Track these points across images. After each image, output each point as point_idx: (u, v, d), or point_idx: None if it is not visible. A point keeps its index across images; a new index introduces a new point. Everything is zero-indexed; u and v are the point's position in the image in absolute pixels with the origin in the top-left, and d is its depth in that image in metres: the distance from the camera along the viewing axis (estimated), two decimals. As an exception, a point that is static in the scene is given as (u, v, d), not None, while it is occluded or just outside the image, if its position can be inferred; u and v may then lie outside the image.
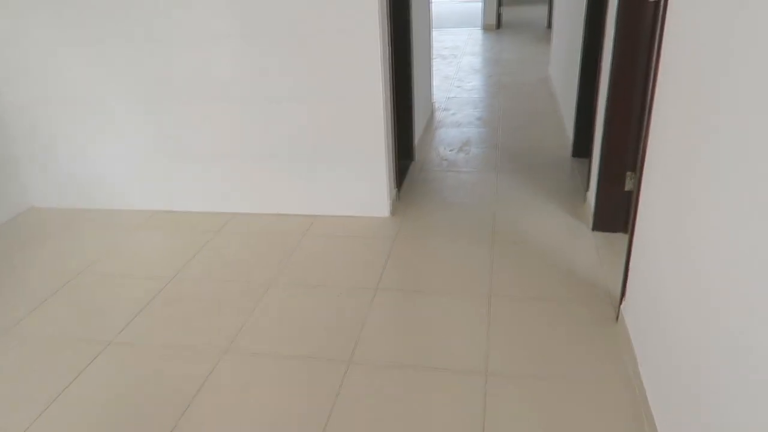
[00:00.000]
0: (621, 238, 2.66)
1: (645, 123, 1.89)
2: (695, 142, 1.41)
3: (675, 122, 1.60)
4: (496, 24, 8.90)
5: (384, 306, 2.30)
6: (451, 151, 3.95)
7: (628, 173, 2.59)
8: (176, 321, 2.28)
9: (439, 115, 4.82)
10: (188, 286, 2.52)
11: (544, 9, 8.76)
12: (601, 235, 2.72)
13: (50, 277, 2.64)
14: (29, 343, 2.19)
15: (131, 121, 3.04)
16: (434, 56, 6.83)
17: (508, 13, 9.39)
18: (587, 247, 2.63)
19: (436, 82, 5.66)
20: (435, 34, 7.79)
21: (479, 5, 9.38)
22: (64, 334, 2.23)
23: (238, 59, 2.80)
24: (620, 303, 2.10)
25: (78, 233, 3.06)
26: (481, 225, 2.88)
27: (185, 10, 2.73)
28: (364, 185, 2.97)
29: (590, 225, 2.77)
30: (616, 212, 2.69)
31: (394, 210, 3.06)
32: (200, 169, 3.09)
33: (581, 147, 3.56)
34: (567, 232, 2.78)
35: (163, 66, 2.87)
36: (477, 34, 8.67)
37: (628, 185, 2.61)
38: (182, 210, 3.21)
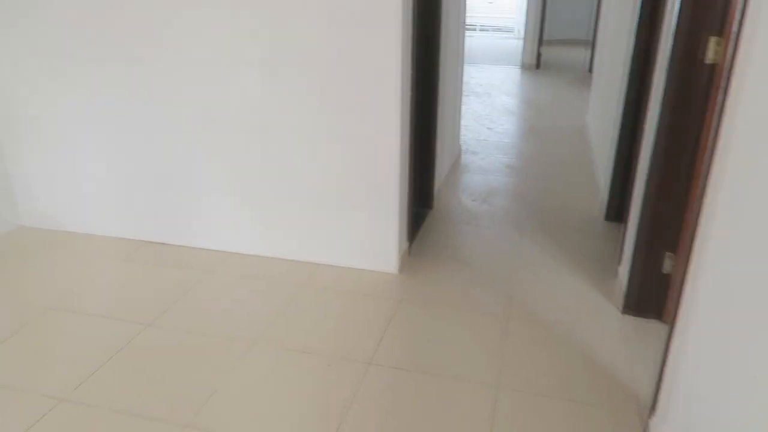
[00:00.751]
0: (655, 326, 2.33)
1: (697, 199, 1.59)
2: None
3: (741, 205, 1.29)
4: (536, 63, 8.64)
5: (376, 385, 2.01)
6: (473, 201, 3.67)
7: (668, 254, 2.27)
8: (142, 379, 2.03)
9: (465, 158, 4.55)
10: (165, 335, 2.27)
11: (587, 52, 8.49)
12: (631, 320, 2.39)
13: (15, 309, 2.43)
14: (-24, 391, 1.97)
15: (131, 146, 2.85)
16: (466, 94, 6.60)
17: (548, 52, 9.13)
18: (614, 334, 2.30)
19: (465, 121, 5.40)
20: (469, 69, 7.57)
21: (519, 42, 9.15)
22: (9, 384, 2.00)
23: (242, 91, 2.59)
24: (649, 416, 1.77)
25: (59, 258, 2.86)
26: (497, 294, 2.58)
27: (195, 38, 2.55)
28: (372, 235, 2.71)
29: (620, 306, 2.44)
30: (651, 295, 2.36)
31: (403, 266, 2.78)
32: (197, 203, 2.87)
33: (615, 210, 3.24)
34: (593, 312, 2.46)
35: (163, 92, 2.69)
36: (514, 72, 8.42)
37: (667, 267, 2.28)
38: (175, 243, 2.99)
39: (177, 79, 2.65)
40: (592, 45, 7.78)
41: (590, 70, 7.54)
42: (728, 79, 1.44)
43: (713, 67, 2.00)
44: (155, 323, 2.34)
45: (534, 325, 2.36)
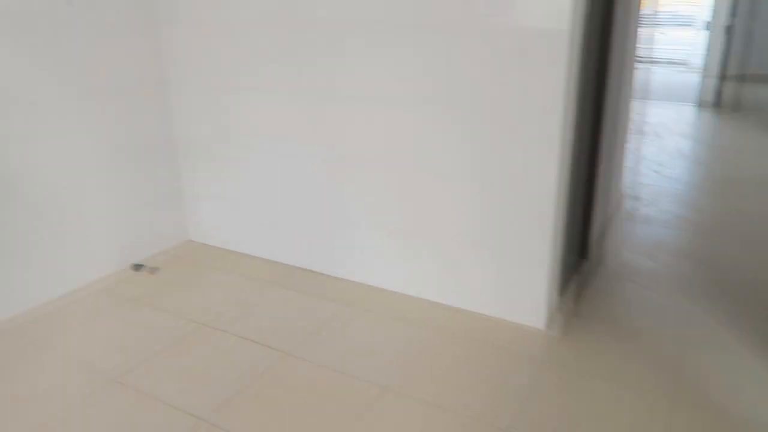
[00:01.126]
0: None
1: None
2: None
3: None
4: (717, 101, 7.75)
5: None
6: (637, 255, 3.29)
7: None
8: (274, 411, 2.03)
9: (627, 204, 4.14)
10: (300, 367, 2.28)
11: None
12: (843, 431, 1.92)
13: (174, 322, 2.60)
14: (132, 397, 2.11)
15: (289, 172, 2.97)
16: (633, 132, 6.08)
17: (736, 89, 8.16)
18: (819, 446, 1.86)
19: (630, 163, 4.95)
20: (637, 106, 6.98)
21: (697, 77, 8.30)
22: (158, 396, 2.12)
23: (393, 127, 2.56)
24: None
25: (217, 276, 3.05)
26: (661, 371, 2.23)
27: (354, 77, 2.59)
28: (520, 284, 2.51)
29: (827, 410, 1.98)
30: None
31: (551, 322, 2.54)
32: (344, 233, 2.90)
33: (821, 285, 2.69)
34: (788, 410, 2.02)
35: (322, 125, 2.76)
36: (691, 111, 7.63)
37: None
38: (322, 271, 3.04)
39: (335, 113, 2.71)
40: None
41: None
42: None
43: None
44: (293, 352, 2.36)
45: (706, 413, 1.99)
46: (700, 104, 7.85)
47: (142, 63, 3.03)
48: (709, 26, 7.88)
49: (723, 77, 7.73)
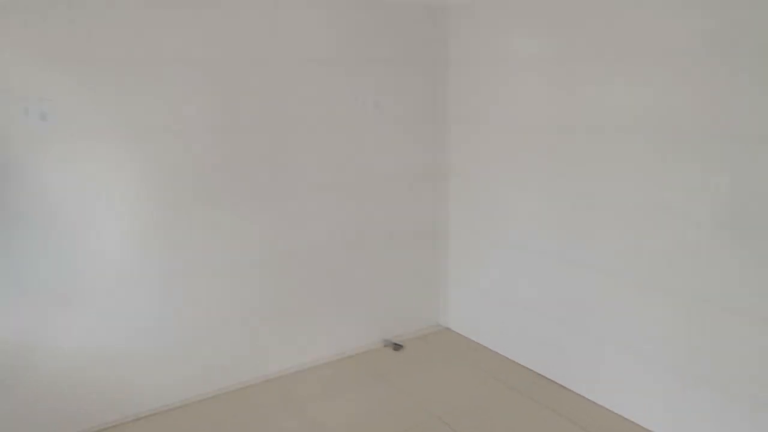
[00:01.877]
0: None
1: None
2: None
3: None
4: None
5: None
6: None
7: None
8: None
9: None
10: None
11: None
12: None
13: (409, 408, 2.64)
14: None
15: (542, 272, 2.83)
16: None
17: None
18: None
19: None
20: None
21: None
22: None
23: (663, 238, 2.24)
24: None
25: (462, 368, 3.01)
26: None
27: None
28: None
29: None
30: None
31: None
32: (597, 351, 2.60)
33: None
34: None
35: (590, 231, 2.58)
36: None
37: None
38: (571, 388, 2.74)
39: (592, 219, 2.51)
40: None
41: None
42: None
43: None
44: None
45: None
46: None
47: (430, 153, 3.33)
48: None
49: None
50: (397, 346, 3.27)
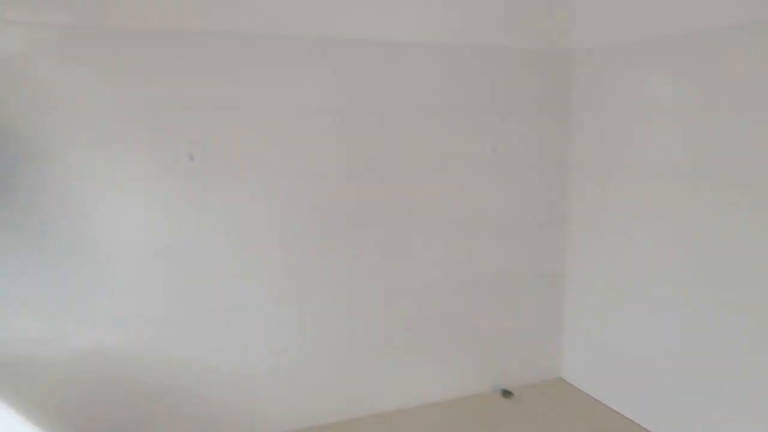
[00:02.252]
0: None
1: None
2: None
3: None
4: None
5: None
6: None
7: None
8: None
9: None
10: None
11: None
12: None
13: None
14: None
15: (685, 332, 2.64)
16: None
17: None
18: None
19: None
20: None
21: None
22: None
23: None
24: None
25: (564, 427, 2.87)
26: None
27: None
28: None
29: None
30: None
31: None
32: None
33: None
34: None
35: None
36: None
37: None
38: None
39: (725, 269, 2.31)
40: None
41: None
42: None
43: None
44: None
45: None
46: None
47: (550, 198, 3.26)
48: None
49: None
50: (507, 393, 3.18)
